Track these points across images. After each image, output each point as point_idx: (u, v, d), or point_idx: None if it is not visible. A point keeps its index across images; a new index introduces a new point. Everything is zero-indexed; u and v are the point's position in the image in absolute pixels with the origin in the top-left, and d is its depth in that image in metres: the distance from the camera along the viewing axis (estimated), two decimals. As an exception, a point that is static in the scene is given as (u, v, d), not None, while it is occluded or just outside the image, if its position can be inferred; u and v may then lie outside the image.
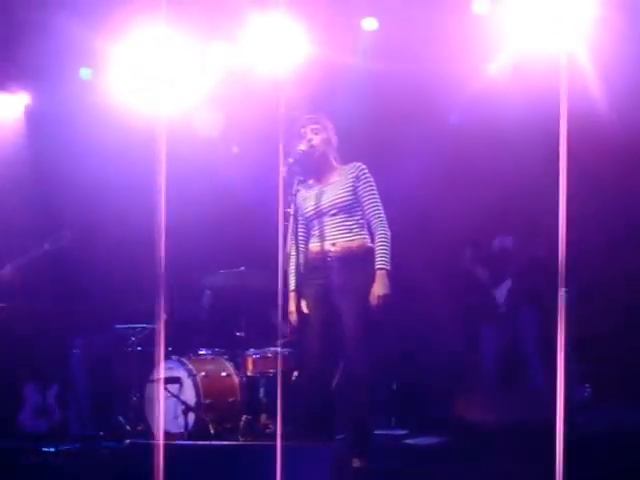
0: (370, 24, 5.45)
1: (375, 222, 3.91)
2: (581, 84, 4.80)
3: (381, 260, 3.86)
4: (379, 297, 3.81)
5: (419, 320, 5.75)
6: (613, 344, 5.32)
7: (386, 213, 4.00)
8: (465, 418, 4.65)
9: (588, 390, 5.22)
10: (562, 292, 5.18)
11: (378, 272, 3.84)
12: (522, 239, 5.42)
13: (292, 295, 4.03)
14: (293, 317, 4.01)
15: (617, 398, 4.99)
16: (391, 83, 5.40)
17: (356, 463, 3.54)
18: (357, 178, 3.94)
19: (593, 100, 4.98)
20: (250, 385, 5.01)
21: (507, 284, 5.35)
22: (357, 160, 4.04)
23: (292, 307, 4.02)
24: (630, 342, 5.28)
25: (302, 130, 3.98)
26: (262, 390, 5.04)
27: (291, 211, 3.84)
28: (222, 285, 5.35)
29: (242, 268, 5.10)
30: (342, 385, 3.79)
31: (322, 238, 3.89)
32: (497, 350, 5.39)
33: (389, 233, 3.92)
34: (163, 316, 4.46)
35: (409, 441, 4.91)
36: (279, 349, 5.15)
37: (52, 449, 4.66)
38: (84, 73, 5.75)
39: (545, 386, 5.16)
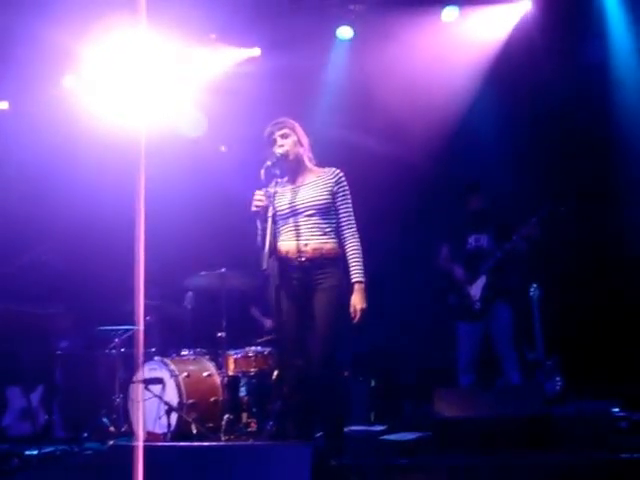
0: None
1: (348, 232, 3.97)
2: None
3: (358, 273, 3.91)
4: (360, 310, 3.86)
5: (396, 317, 5.84)
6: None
7: (361, 214, 4.05)
8: (442, 414, 4.74)
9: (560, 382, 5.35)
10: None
11: (357, 285, 3.90)
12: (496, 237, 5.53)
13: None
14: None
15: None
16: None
17: (333, 462, 3.60)
18: (336, 183, 4.00)
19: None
20: (231, 384, 5.09)
21: (482, 281, 5.45)
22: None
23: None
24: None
25: (272, 137, 4.04)
26: (243, 389, 5.13)
27: (270, 212, 3.88)
28: (203, 286, 5.41)
29: (223, 269, 5.17)
30: (313, 385, 3.81)
31: (295, 237, 3.92)
32: (473, 346, 5.49)
33: (360, 244, 3.98)
34: (145, 318, 4.51)
35: (387, 437, 5.00)
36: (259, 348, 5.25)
37: (35, 452, 4.66)
38: (67, 80, 5.78)
39: (521, 381, 5.28)
